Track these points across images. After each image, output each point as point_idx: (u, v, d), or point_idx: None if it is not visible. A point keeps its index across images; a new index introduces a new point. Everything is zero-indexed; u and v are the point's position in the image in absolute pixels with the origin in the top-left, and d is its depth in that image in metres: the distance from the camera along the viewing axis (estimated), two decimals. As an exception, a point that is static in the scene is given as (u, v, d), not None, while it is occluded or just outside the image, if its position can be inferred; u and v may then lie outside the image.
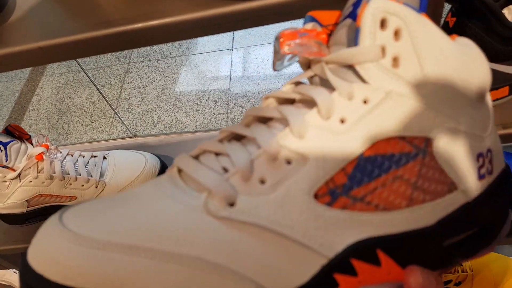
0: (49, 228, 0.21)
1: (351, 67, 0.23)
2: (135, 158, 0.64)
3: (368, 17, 0.22)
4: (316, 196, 0.21)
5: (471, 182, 0.24)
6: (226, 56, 1.66)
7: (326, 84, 0.24)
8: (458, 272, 0.76)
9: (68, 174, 0.59)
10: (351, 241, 0.22)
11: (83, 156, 0.62)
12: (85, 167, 0.61)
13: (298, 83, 0.26)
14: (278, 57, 0.25)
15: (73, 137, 1.57)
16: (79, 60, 1.59)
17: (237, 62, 1.62)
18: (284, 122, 0.23)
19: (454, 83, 0.23)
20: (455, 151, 0.23)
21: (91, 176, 0.60)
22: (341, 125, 0.22)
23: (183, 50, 1.71)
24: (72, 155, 0.61)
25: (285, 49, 0.23)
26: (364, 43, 0.22)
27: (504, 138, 0.42)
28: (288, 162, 0.22)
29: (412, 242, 0.23)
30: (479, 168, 0.24)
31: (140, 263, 0.19)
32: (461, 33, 0.34)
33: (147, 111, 1.56)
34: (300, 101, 0.24)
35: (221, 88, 1.56)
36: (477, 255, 0.26)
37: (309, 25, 0.25)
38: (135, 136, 0.85)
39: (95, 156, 0.63)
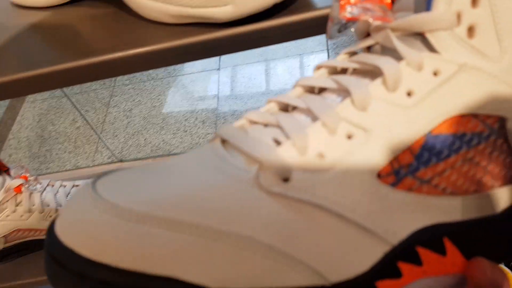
0: (81, 196, 0.19)
1: (419, 36, 0.21)
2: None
3: None
4: (379, 175, 0.20)
5: None
6: (213, 76, 1.67)
7: (390, 53, 0.22)
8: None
9: (49, 205, 0.58)
10: (417, 227, 0.20)
11: (65, 186, 0.60)
12: (67, 197, 0.59)
13: (353, 53, 0.24)
14: (334, 23, 0.23)
15: (56, 165, 1.53)
16: (62, 85, 1.59)
17: (225, 82, 1.63)
18: (342, 93, 0.21)
19: None
20: None
21: None
22: (408, 99, 0.20)
23: (169, 71, 1.71)
24: (52, 186, 0.59)
25: (347, 12, 0.22)
26: (438, 8, 0.20)
27: None
28: (349, 136, 0.20)
29: (479, 231, 0.21)
30: None
31: (184, 241, 0.17)
32: None
33: (133, 135, 1.56)
34: (356, 72, 0.22)
35: (209, 108, 1.57)
36: None
37: None
38: (121, 161, 0.85)
39: (77, 185, 0.62)
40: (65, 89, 1.71)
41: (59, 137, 1.61)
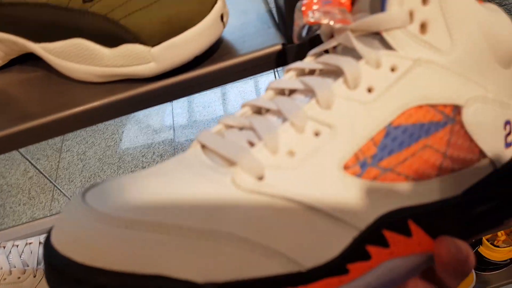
0: (72, 208, 0.20)
1: (377, 35, 0.22)
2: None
3: None
4: (345, 167, 0.21)
5: (498, 151, 0.24)
6: (166, 107, 1.68)
7: (351, 53, 0.23)
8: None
9: (1, 268, 0.56)
10: (383, 212, 0.21)
11: (17, 246, 0.58)
12: (20, 257, 0.57)
13: (319, 55, 0.25)
14: (299, 28, 0.25)
15: (11, 220, 1.44)
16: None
17: (178, 113, 1.65)
18: (309, 93, 0.22)
19: (482, 49, 0.23)
20: (483, 118, 0.23)
21: (28, 266, 0.57)
22: (369, 95, 0.22)
23: (120, 109, 1.72)
24: (4, 247, 0.57)
25: (309, 17, 0.23)
26: (391, 8, 0.22)
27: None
28: (316, 134, 0.21)
29: (441, 212, 0.22)
30: (506, 136, 0.24)
31: (170, 241, 0.18)
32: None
33: (89, 178, 1.52)
34: (322, 72, 0.24)
35: (165, 140, 1.56)
36: (504, 223, 0.25)
37: None
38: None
39: (30, 243, 0.60)
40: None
41: (11, 190, 1.55)
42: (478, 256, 0.84)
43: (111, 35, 0.31)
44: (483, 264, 0.84)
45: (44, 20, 0.32)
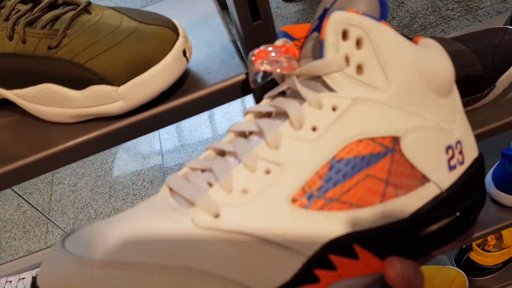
0: (53, 254, 0.22)
1: (319, 78, 0.24)
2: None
3: (330, 30, 0.23)
4: (293, 200, 0.23)
5: (442, 174, 0.25)
6: (153, 134, 1.69)
7: (297, 95, 0.25)
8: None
9: None
10: (328, 238, 0.23)
11: (10, 282, 0.60)
12: None
13: (274, 97, 0.27)
14: (253, 75, 0.27)
15: (8, 254, 1.44)
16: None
17: (166, 138, 1.66)
18: (261, 134, 0.25)
19: (417, 83, 0.25)
20: (423, 146, 0.25)
21: None
22: (313, 133, 0.23)
23: (108, 138, 1.72)
24: None
25: (258, 66, 0.25)
26: (328, 55, 0.23)
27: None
28: (267, 172, 0.23)
29: (388, 235, 0.24)
30: (449, 159, 0.26)
31: (136, 277, 0.21)
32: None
33: (82, 208, 1.52)
34: (275, 114, 0.26)
35: (154, 166, 1.57)
36: (457, 242, 0.27)
37: (280, 41, 0.27)
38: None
39: (23, 278, 0.62)
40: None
41: (6, 225, 1.54)
42: (470, 262, 0.84)
43: (78, 78, 0.32)
44: (475, 269, 0.85)
45: (12, 68, 0.33)
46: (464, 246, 0.85)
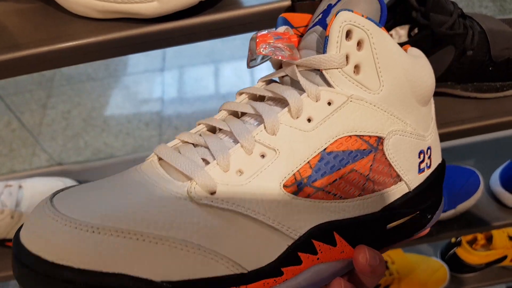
0: (41, 211, 0.23)
1: (318, 71, 0.27)
2: (54, 185, 0.63)
3: (336, 29, 0.25)
4: (285, 186, 0.25)
5: (412, 175, 0.29)
6: (157, 77, 1.65)
7: (296, 84, 0.27)
8: (385, 275, 0.82)
9: None
10: (313, 224, 0.26)
11: None
12: None
13: (269, 81, 0.29)
14: (252, 56, 0.28)
15: None
16: (-5, 86, 1.52)
17: (170, 83, 1.63)
18: (258, 118, 0.27)
19: (404, 90, 0.28)
20: (401, 148, 0.28)
21: (6, 207, 0.59)
22: (308, 124, 0.26)
23: (110, 72, 1.67)
24: None
25: (261, 50, 0.27)
26: (331, 51, 0.26)
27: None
28: (262, 155, 0.25)
29: (361, 226, 0.27)
30: (420, 163, 0.29)
31: (132, 244, 0.22)
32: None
33: (72, 137, 1.50)
34: (270, 99, 0.28)
35: (153, 110, 1.55)
36: (414, 236, 0.31)
37: (282, 29, 0.29)
38: (60, 164, 0.84)
39: (10, 186, 0.62)
40: (-2, 90, 1.63)
41: (-7, 140, 1.54)
42: (455, 257, 0.88)
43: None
44: (458, 265, 0.87)
45: None
46: (453, 240, 0.85)
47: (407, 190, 0.29)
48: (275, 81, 0.30)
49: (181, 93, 1.55)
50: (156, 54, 1.68)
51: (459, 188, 0.68)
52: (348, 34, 0.26)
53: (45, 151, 1.45)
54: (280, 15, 0.30)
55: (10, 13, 0.39)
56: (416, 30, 0.46)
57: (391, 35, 0.46)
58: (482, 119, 0.47)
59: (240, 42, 1.62)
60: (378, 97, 0.27)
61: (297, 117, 0.26)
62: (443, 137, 0.47)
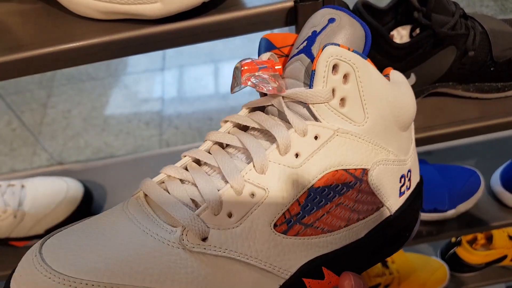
0: (31, 264, 0.23)
1: (305, 104, 0.27)
2: (56, 184, 0.64)
3: (322, 63, 0.25)
4: (275, 225, 0.25)
5: (394, 200, 0.29)
6: (157, 76, 1.66)
7: (282, 115, 0.27)
8: (385, 275, 0.82)
9: None
10: (303, 262, 0.26)
11: (0, 186, 0.61)
12: (2, 197, 0.60)
13: (252, 109, 0.29)
14: (237, 84, 0.28)
15: None
16: (-5, 85, 1.52)
17: (170, 83, 1.63)
18: (245, 152, 0.27)
19: (388, 119, 0.28)
20: (384, 177, 0.28)
21: (9, 206, 0.59)
22: (296, 160, 0.26)
23: (110, 72, 1.68)
24: None
25: (247, 82, 0.27)
26: (317, 86, 0.26)
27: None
28: (252, 195, 0.25)
29: (347, 254, 0.28)
30: (401, 187, 0.30)
31: None
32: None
33: (73, 137, 1.51)
34: (256, 129, 0.28)
35: (153, 109, 1.55)
36: (392, 254, 0.31)
37: (266, 55, 0.28)
38: (60, 163, 0.84)
39: (12, 185, 0.62)
40: (-1, 89, 1.63)
41: (-7, 139, 1.54)
42: (455, 256, 0.88)
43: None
44: (458, 265, 0.88)
45: None
46: (453, 240, 0.85)
47: (388, 214, 0.29)
48: (259, 109, 0.30)
49: (181, 92, 1.56)
50: (156, 53, 1.68)
51: (460, 188, 0.68)
52: (335, 68, 0.26)
53: (46, 150, 1.45)
54: (262, 37, 0.30)
55: (13, 14, 0.39)
56: (417, 31, 0.46)
57: (392, 36, 0.46)
58: (483, 119, 0.47)
59: (240, 42, 1.63)
60: (363, 129, 0.27)
61: (285, 154, 0.26)
62: (444, 137, 0.47)
